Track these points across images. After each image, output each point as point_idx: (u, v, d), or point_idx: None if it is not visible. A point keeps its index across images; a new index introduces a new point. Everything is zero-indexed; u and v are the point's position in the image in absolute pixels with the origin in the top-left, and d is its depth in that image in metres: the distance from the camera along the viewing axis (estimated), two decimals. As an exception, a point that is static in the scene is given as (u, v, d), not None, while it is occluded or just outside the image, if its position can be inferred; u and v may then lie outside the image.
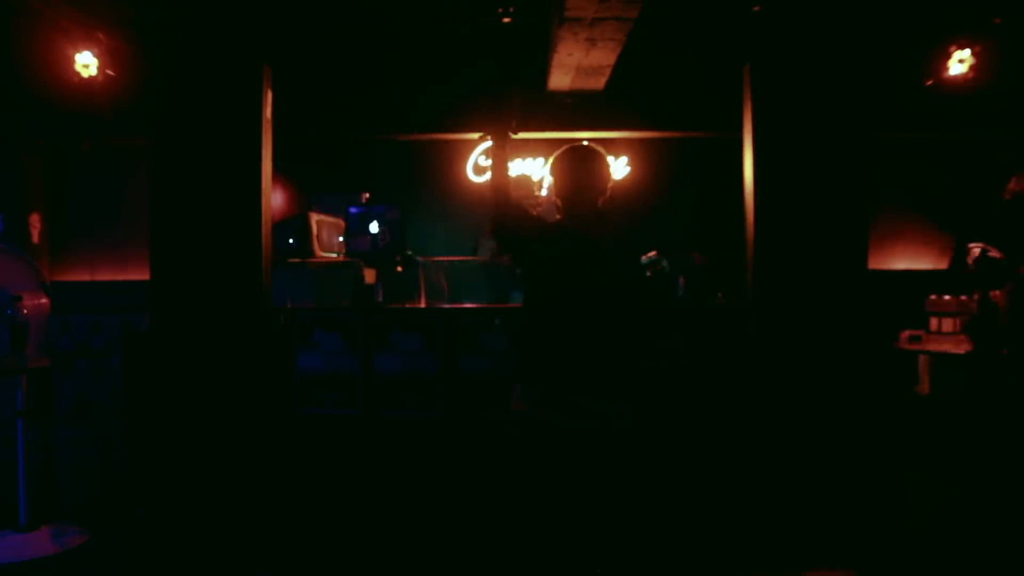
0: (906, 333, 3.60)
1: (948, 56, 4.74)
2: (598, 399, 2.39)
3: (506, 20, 4.52)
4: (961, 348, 3.49)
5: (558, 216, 2.54)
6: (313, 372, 3.73)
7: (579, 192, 2.49)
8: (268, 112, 3.73)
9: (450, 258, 4.40)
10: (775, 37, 4.55)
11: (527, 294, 2.54)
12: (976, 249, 3.34)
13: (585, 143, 2.56)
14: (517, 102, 2.55)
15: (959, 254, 3.49)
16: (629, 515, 2.48)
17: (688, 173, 5.58)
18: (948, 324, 3.50)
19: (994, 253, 3.27)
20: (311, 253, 4.41)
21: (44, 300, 4.12)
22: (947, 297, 3.59)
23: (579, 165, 2.51)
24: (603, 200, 2.52)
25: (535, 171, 5.60)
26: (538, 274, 2.48)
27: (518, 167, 5.60)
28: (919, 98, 4.93)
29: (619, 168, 5.68)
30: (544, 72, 5.10)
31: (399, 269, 4.17)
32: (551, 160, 2.58)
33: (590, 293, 2.40)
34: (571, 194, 2.50)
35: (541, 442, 2.40)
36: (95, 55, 4.64)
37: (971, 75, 4.71)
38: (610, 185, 2.54)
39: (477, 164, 5.61)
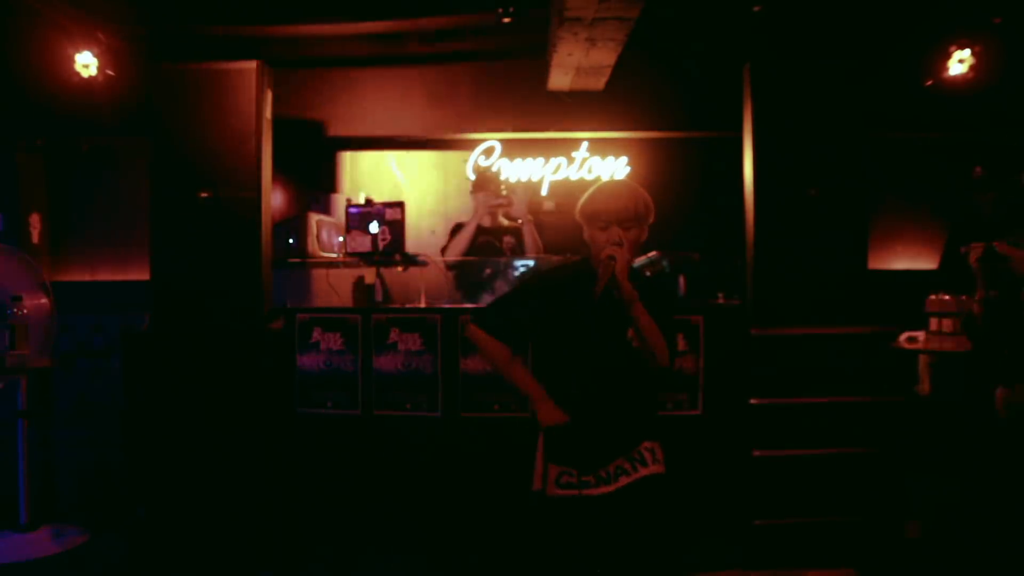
0: (905, 335, 3.60)
1: (948, 56, 4.73)
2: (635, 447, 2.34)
3: (506, 20, 4.51)
4: (961, 348, 3.48)
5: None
6: (313, 372, 3.72)
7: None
8: (268, 112, 3.74)
9: (449, 258, 4.41)
10: (775, 37, 4.55)
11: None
12: (979, 247, 3.32)
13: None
14: None
15: (954, 255, 3.48)
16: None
17: (688, 173, 5.56)
18: (948, 324, 3.49)
19: (1003, 249, 3.25)
20: (311, 253, 4.42)
21: (44, 300, 4.13)
22: (947, 297, 3.59)
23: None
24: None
25: (535, 171, 5.58)
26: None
27: (518, 167, 5.60)
28: (919, 98, 4.93)
29: (619, 168, 5.66)
30: (544, 72, 5.10)
31: (399, 269, 4.17)
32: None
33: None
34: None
35: (584, 515, 2.30)
36: (95, 55, 4.63)
37: (971, 75, 4.71)
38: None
39: (476, 164, 5.60)
